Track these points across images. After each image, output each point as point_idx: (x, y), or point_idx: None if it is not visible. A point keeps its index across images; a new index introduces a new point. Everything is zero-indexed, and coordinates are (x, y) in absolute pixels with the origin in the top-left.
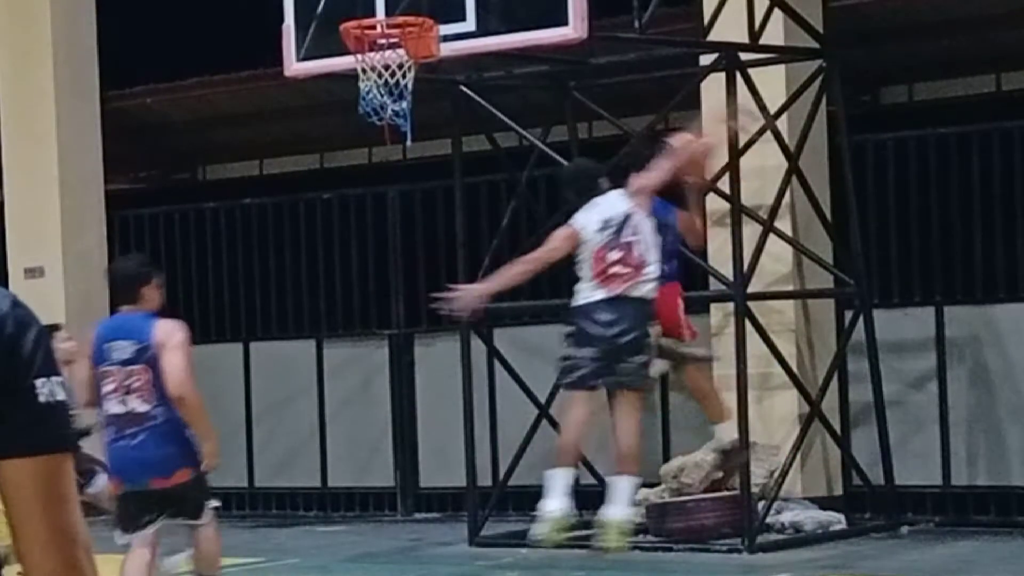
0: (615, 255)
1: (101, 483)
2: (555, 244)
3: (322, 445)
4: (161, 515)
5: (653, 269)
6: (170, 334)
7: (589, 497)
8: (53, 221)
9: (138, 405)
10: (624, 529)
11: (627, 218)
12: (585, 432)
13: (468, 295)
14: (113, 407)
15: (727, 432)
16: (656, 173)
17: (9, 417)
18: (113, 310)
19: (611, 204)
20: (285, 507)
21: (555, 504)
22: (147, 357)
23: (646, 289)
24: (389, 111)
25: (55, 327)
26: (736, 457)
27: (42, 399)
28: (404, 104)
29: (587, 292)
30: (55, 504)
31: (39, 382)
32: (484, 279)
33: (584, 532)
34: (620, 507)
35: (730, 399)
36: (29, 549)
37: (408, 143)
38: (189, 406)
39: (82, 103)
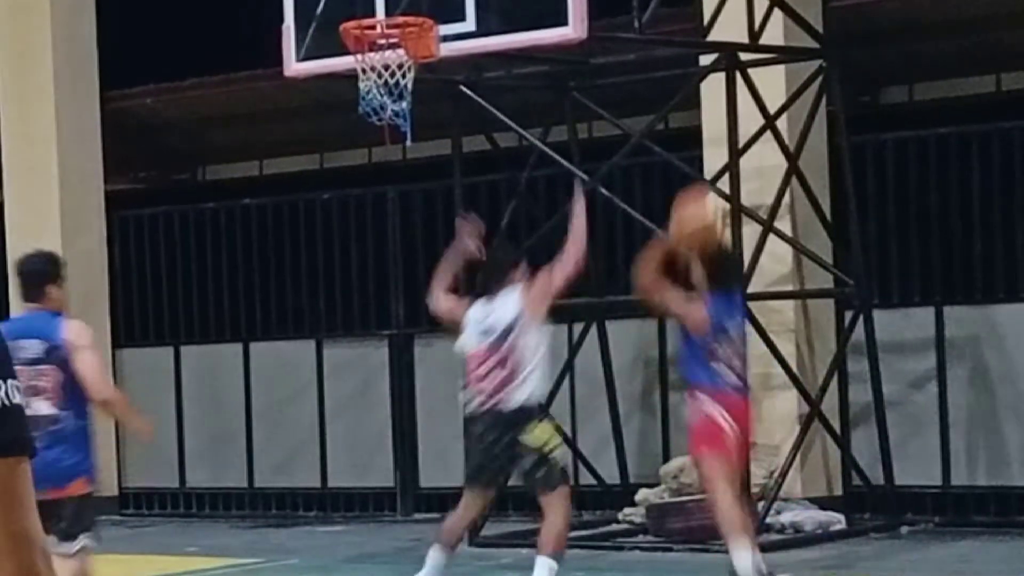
0: (488, 365)
1: None
2: (451, 306)
3: (322, 445)
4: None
5: (529, 378)
6: (80, 334)
7: (590, 496)
8: (53, 221)
9: (44, 408)
10: None
11: (510, 328)
12: (470, 522)
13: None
14: None
15: None
16: (559, 274)
17: None
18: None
19: (502, 308)
20: (285, 507)
21: None
22: (56, 357)
23: (518, 398)
24: (389, 111)
25: None
26: None
27: None
28: (404, 104)
29: (470, 401)
30: (11, 507)
31: None
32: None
33: (584, 532)
34: None
35: None
36: None
37: (408, 143)
38: (116, 406)
39: (82, 103)
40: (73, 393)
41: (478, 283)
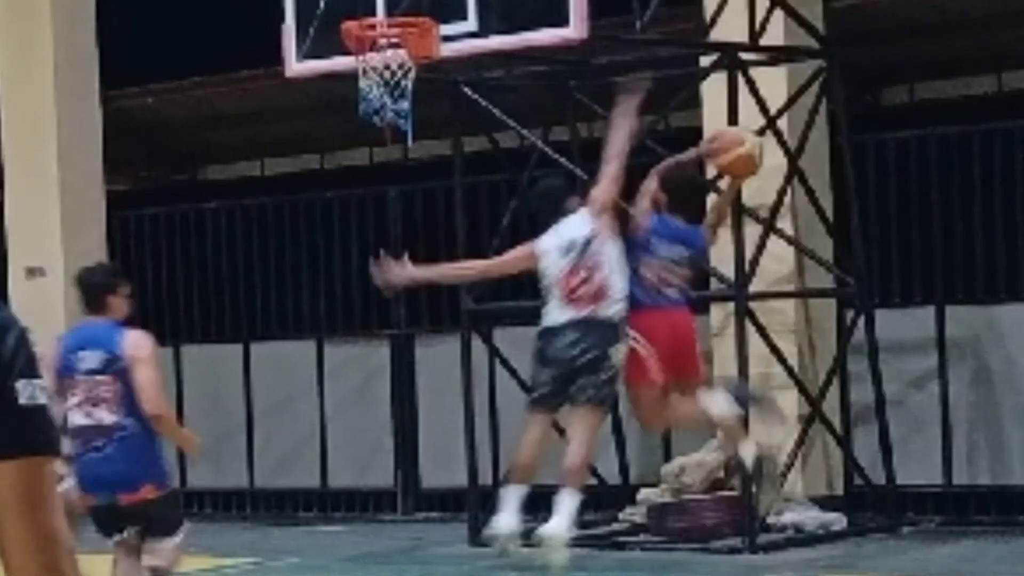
0: (578, 278)
1: (68, 483)
2: (509, 259)
3: (322, 445)
4: (132, 528)
5: (618, 291)
6: (139, 347)
7: (591, 496)
8: (53, 221)
9: (105, 416)
10: (560, 544)
11: (588, 242)
12: (539, 452)
13: (399, 273)
14: (79, 419)
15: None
16: (606, 181)
17: None
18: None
19: (574, 226)
20: (285, 507)
21: (504, 521)
22: (116, 368)
23: (612, 311)
24: (389, 111)
25: None
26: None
27: (22, 401)
28: (404, 104)
29: (554, 315)
30: (36, 507)
31: (19, 384)
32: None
33: (585, 531)
34: (558, 522)
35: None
36: (11, 552)
37: (409, 143)
38: (165, 422)
39: (82, 103)
40: (134, 402)
41: (536, 212)
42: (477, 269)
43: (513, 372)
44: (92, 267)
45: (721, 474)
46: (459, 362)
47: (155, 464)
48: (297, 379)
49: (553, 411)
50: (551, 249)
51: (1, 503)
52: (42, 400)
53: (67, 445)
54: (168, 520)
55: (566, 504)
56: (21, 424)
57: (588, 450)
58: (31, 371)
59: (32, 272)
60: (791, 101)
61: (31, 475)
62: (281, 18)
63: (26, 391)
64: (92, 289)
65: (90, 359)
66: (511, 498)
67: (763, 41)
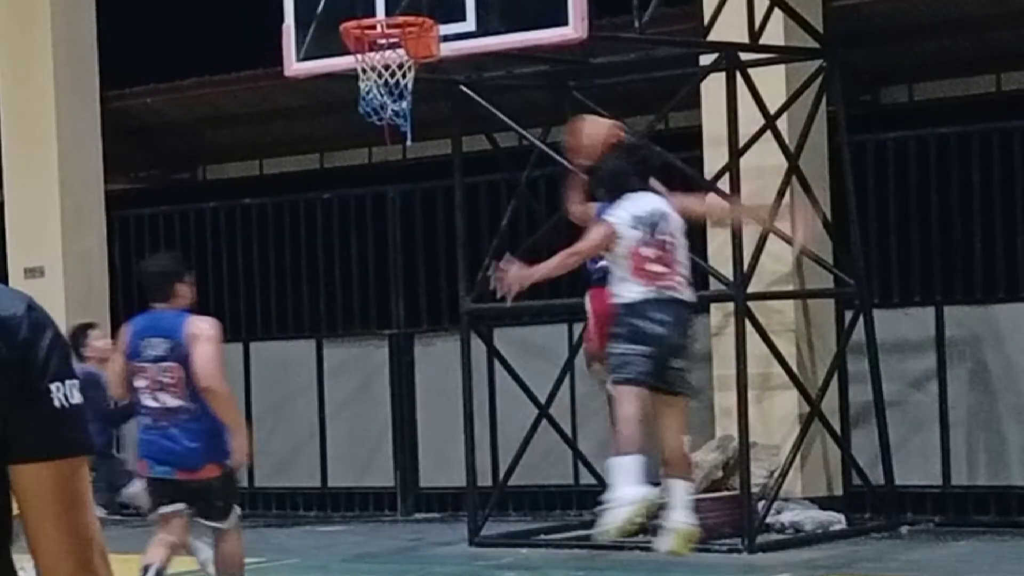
0: (649, 253)
1: (138, 487)
2: (599, 236)
3: (322, 445)
4: (186, 506)
5: (688, 275)
6: (201, 327)
7: (590, 496)
8: (53, 221)
9: (169, 400)
10: (691, 535)
11: (661, 218)
12: (644, 426)
13: (518, 276)
14: (146, 401)
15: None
16: (699, 200)
17: (25, 422)
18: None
19: (646, 203)
20: (285, 507)
21: (634, 490)
22: (179, 354)
23: (687, 293)
24: (389, 111)
25: (91, 325)
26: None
27: (57, 403)
28: (404, 104)
29: (631, 287)
30: (71, 507)
31: (54, 386)
32: (531, 264)
33: (585, 532)
34: (684, 513)
35: (730, 399)
36: (45, 551)
37: (408, 143)
38: (218, 397)
39: (82, 103)
40: (197, 386)
41: (598, 191)
42: (580, 254)
43: (512, 372)
44: (156, 257)
45: (720, 474)
46: (458, 362)
47: (218, 445)
48: (297, 379)
49: (650, 390)
50: (622, 222)
51: (37, 503)
52: (76, 400)
53: (135, 427)
54: (225, 497)
55: (679, 494)
56: (56, 426)
57: (684, 437)
58: (65, 372)
59: (31, 272)
60: (790, 101)
61: (67, 476)
62: (281, 18)
63: (60, 392)
64: (157, 278)
65: (156, 346)
66: (631, 468)
67: (762, 41)
